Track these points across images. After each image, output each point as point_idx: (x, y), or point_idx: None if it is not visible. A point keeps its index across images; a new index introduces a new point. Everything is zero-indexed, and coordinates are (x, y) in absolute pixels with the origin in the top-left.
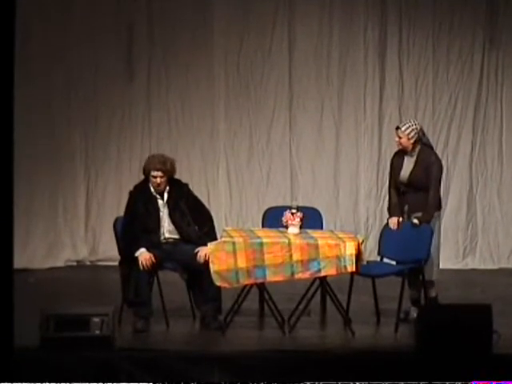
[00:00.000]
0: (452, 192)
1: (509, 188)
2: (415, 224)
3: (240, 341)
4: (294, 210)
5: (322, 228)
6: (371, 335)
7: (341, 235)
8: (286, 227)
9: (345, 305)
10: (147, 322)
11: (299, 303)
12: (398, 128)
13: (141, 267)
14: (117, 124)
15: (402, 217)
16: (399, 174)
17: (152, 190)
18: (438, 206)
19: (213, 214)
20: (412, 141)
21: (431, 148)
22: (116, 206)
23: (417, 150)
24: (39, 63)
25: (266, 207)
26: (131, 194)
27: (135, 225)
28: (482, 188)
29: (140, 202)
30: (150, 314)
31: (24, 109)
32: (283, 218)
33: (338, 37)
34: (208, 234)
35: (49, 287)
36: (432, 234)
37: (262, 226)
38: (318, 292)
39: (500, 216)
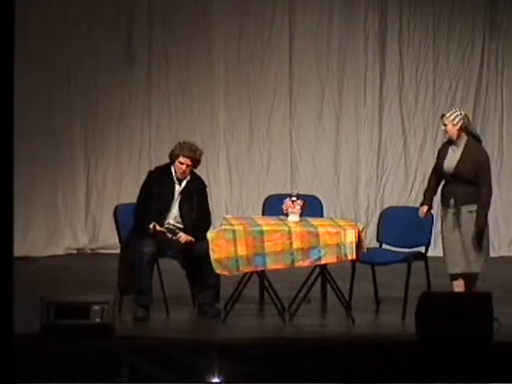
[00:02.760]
0: None
1: (509, 176)
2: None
3: (240, 328)
4: (294, 198)
5: (322, 216)
6: (371, 323)
7: (341, 223)
8: (287, 215)
9: (345, 293)
10: (147, 310)
11: (299, 291)
12: (443, 116)
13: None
14: (117, 112)
15: (445, 205)
16: (443, 163)
17: (173, 174)
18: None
19: (213, 201)
20: (457, 127)
21: (479, 140)
22: (116, 193)
23: (464, 140)
24: (38, 51)
25: (266, 195)
26: (151, 173)
27: (149, 204)
28: None
29: (158, 183)
30: (150, 302)
31: (23, 97)
32: (283, 206)
33: (338, 24)
34: (198, 229)
35: (49, 275)
36: (433, 219)
37: (262, 214)
38: (319, 280)
39: (500, 204)
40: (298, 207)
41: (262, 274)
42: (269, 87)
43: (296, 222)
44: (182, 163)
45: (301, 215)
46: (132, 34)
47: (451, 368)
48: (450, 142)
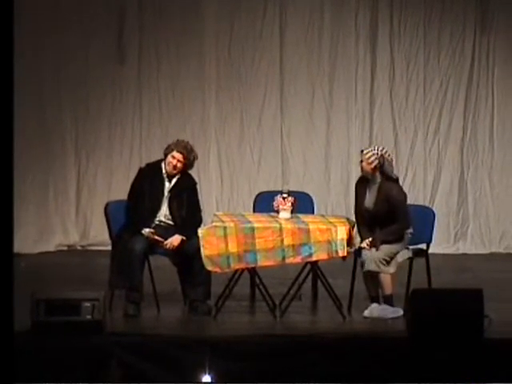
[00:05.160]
0: (443, 177)
1: (500, 173)
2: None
3: (231, 325)
4: (285, 195)
5: (313, 212)
6: (366, 320)
7: (332, 220)
8: (277, 212)
9: (337, 289)
10: (138, 306)
11: (290, 288)
12: (362, 151)
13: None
14: (107, 108)
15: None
16: (363, 202)
17: (163, 171)
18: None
19: (204, 198)
20: (372, 166)
21: (394, 180)
22: (107, 190)
23: (378, 179)
24: (30, 47)
25: (257, 192)
26: (141, 170)
27: (139, 201)
28: (473, 173)
29: (148, 180)
30: (141, 299)
31: (14, 93)
32: (274, 203)
33: (330, 21)
34: (189, 227)
35: (39, 272)
36: (434, 216)
37: (253, 211)
38: (310, 276)
39: (491, 201)
40: (289, 204)
41: (252, 271)
42: (260, 84)
43: (287, 219)
44: (173, 157)
45: (292, 212)
46: (123, 29)
47: (442, 365)
48: (366, 179)
